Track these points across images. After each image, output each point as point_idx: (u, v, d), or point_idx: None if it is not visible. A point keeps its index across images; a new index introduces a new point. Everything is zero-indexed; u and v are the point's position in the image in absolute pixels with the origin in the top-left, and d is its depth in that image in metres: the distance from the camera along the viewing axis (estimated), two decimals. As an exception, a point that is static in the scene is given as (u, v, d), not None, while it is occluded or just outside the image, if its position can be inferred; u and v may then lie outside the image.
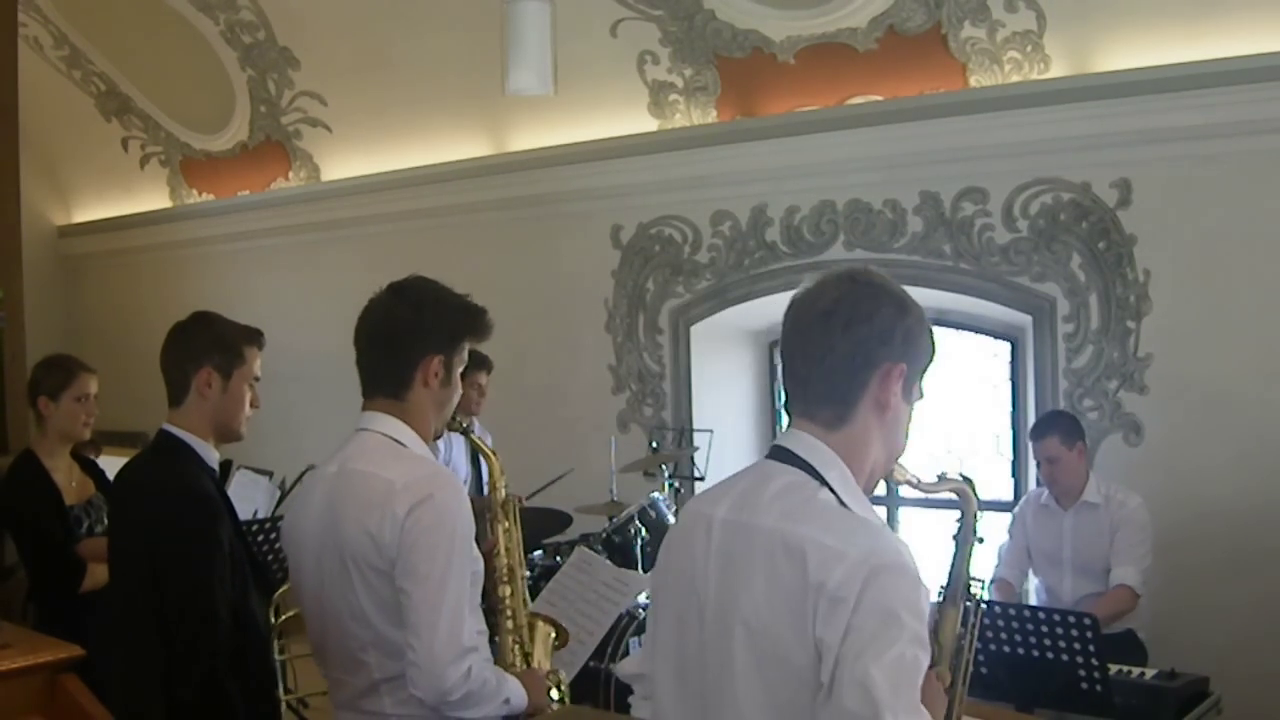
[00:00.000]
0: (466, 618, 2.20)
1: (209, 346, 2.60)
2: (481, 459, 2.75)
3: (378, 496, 2.18)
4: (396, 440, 2.27)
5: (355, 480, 2.23)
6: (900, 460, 1.80)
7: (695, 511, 1.78)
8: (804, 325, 1.71)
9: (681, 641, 1.71)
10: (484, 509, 2.57)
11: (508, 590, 2.54)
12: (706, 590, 1.68)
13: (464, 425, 2.60)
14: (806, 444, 1.70)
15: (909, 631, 1.51)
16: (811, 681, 1.54)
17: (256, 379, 2.68)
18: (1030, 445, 4.24)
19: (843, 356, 1.68)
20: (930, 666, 1.82)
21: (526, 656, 2.54)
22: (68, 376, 3.91)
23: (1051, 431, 4.16)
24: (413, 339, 2.28)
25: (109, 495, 2.86)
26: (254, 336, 2.69)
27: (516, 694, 2.28)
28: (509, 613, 2.53)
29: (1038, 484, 4.72)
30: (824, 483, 1.66)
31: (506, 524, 2.57)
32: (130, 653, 2.52)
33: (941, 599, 1.90)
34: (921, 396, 1.78)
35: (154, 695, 2.43)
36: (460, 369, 2.37)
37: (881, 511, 5.48)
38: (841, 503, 1.64)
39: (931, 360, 1.77)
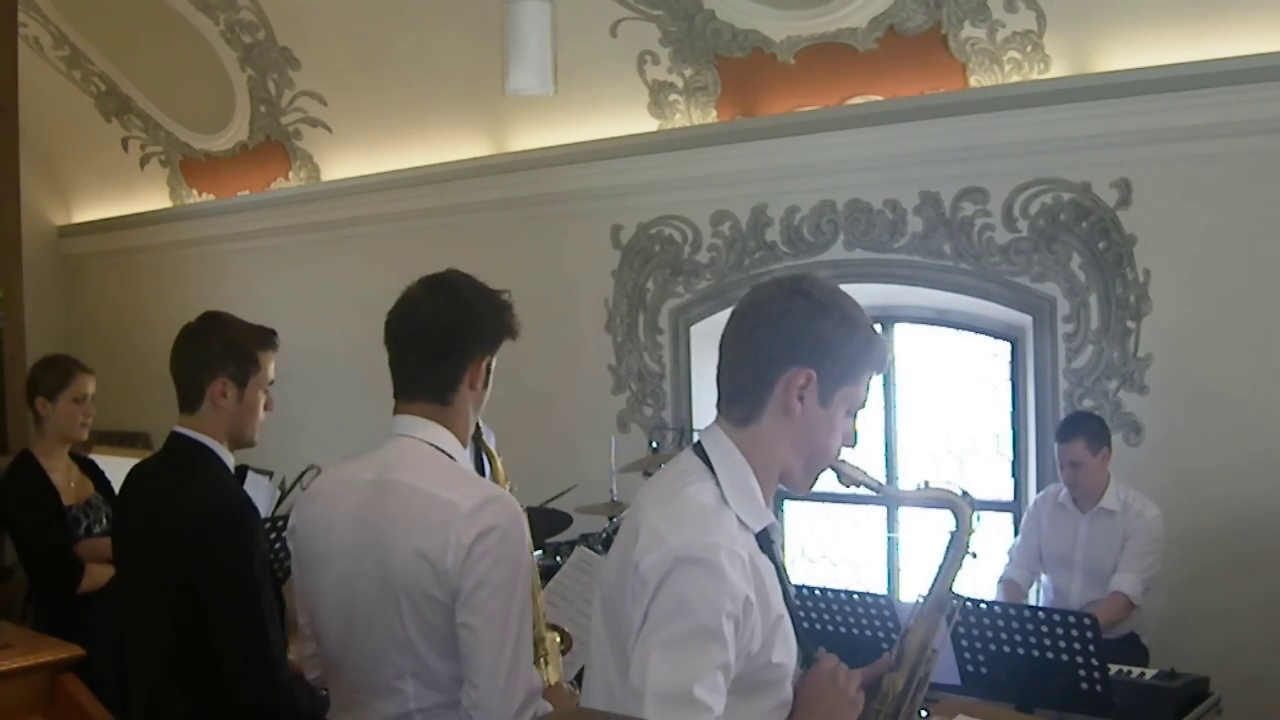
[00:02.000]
0: (531, 656, 2.08)
1: (223, 355, 2.54)
2: (486, 463, 2.65)
3: (436, 520, 2.00)
4: (444, 451, 2.13)
5: (406, 496, 2.06)
6: (854, 463, 1.82)
7: None
8: (728, 326, 1.79)
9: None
10: None
11: None
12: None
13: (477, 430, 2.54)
14: (714, 438, 1.77)
15: (698, 624, 1.57)
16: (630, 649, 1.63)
17: (271, 382, 2.63)
18: (1056, 446, 4.19)
19: (748, 358, 1.74)
20: (887, 671, 1.84)
21: (546, 667, 2.42)
22: (65, 377, 3.90)
23: (1078, 435, 4.11)
24: (462, 340, 2.15)
25: (120, 498, 2.81)
26: (268, 339, 2.63)
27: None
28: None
29: (1038, 484, 4.73)
30: (714, 476, 1.72)
31: None
32: (153, 655, 2.48)
33: (919, 607, 1.89)
34: (862, 405, 1.78)
35: (174, 693, 2.42)
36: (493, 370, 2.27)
37: (880, 512, 5.48)
38: (723, 498, 1.70)
39: (868, 370, 1.76)
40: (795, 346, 1.70)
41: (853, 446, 1.82)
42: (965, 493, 1.87)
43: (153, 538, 2.49)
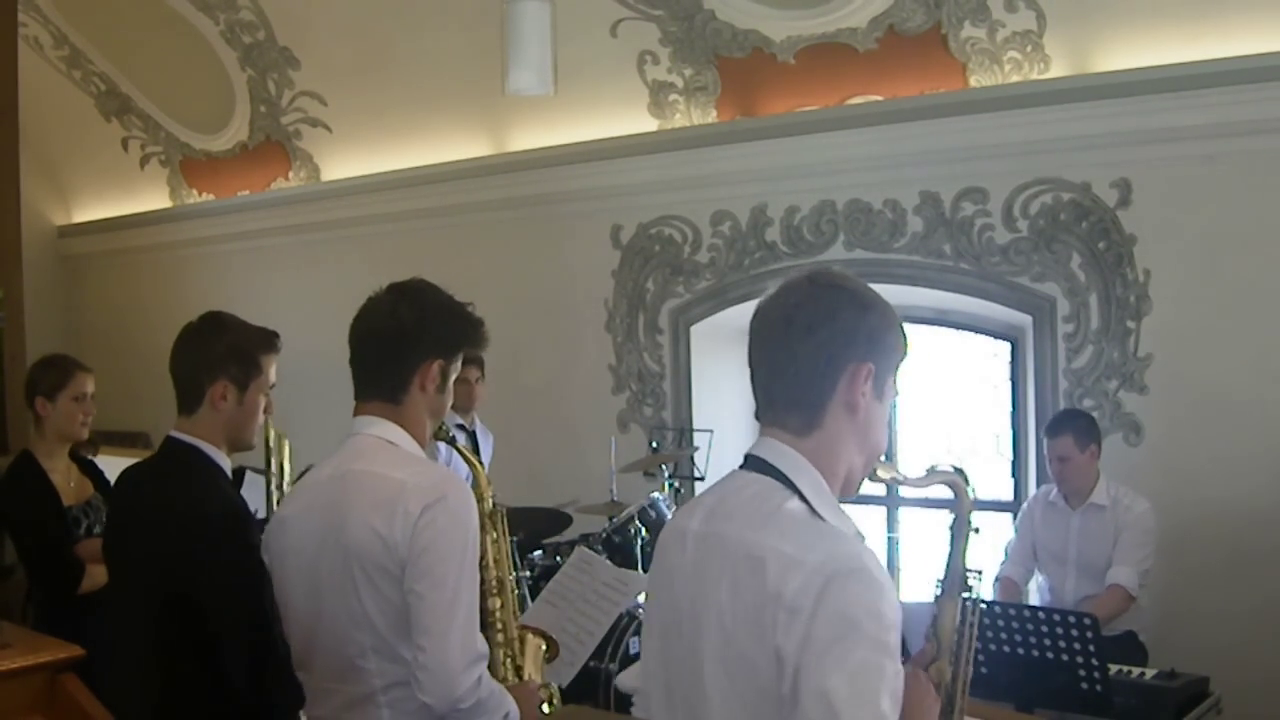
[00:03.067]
0: (477, 624, 2.14)
1: (224, 358, 2.50)
2: (467, 467, 2.67)
3: (386, 496, 2.11)
4: (392, 444, 2.22)
5: (360, 481, 2.16)
6: (884, 458, 1.79)
7: (674, 526, 1.78)
8: (766, 333, 1.70)
9: (667, 657, 1.71)
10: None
11: (497, 603, 2.46)
12: (684, 603, 1.67)
13: (449, 434, 2.55)
14: (777, 451, 1.68)
15: (869, 638, 1.48)
16: (775, 693, 1.52)
17: (272, 386, 2.60)
18: (1045, 441, 4.21)
19: (806, 361, 1.66)
20: (931, 663, 1.83)
21: (518, 670, 2.48)
22: (64, 376, 3.89)
23: (1065, 431, 4.13)
24: (414, 342, 2.24)
25: (115, 502, 2.80)
26: (270, 342, 2.60)
27: (514, 711, 2.21)
28: (499, 626, 2.46)
29: (1038, 484, 4.73)
30: (795, 490, 1.64)
31: (494, 534, 2.50)
32: (149, 659, 2.46)
33: (939, 593, 1.88)
34: (897, 394, 1.76)
35: (173, 694, 2.41)
36: (454, 377, 2.33)
37: (880, 512, 5.48)
38: (813, 510, 1.62)
39: (903, 357, 1.74)
40: (852, 343, 1.66)
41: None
42: (959, 469, 1.88)
43: (147, 544, 2.47)
